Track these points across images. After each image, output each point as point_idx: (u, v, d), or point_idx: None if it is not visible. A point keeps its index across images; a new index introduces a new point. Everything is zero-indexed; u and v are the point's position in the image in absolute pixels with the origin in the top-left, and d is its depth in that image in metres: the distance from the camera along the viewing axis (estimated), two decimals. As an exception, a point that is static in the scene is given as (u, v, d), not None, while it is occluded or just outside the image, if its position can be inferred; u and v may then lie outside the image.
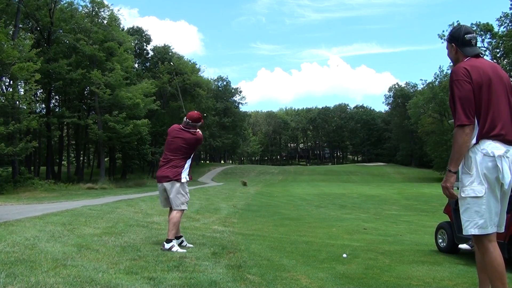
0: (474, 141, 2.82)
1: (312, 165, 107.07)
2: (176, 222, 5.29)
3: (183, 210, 5.43)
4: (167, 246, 5.14)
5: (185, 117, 5.54)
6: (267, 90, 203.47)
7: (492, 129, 2.79)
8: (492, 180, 2.75)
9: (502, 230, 2.89)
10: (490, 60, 3.30)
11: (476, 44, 3.05)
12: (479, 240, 2.83)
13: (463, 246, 5.45)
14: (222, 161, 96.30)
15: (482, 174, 2.76)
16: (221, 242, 6.21)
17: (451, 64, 3.31)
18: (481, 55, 3.05)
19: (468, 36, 3.02)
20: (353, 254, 5.67)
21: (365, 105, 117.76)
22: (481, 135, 2.81)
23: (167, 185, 5.35)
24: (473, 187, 2.78)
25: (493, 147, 2.76)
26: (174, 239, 5.26)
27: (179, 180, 5.33)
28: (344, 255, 5.46)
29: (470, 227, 2.80)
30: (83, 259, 4.35)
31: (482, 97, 2.81)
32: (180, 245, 5.41)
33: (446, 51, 3.21)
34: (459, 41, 3.04)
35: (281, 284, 3.82)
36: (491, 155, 2.75)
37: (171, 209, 5.49)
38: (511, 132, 2.83)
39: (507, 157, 2.76)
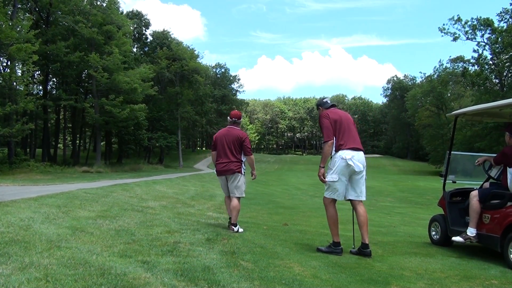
0: (334, 151, 4.94)
1: (308, 155, 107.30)
2: (239, 209, 6.21)
3: (243, 197, 6.27)
4: (235, 228, 6.01)
5: (230, 117, 6.31)
6: (267, 78, 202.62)
7: (343, 143, 4.93)
8: (345, 172, 4.91)
9: (363, 198, 5.14)
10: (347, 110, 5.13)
11: (329, 102, 5.34)
12: (328, 201, 5.09)
13: (456, 239, 5.49)
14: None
15: (338, 169, 4.90)
16: (215, 228, 6.24)
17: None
18: (335, 106, 5.31)
19: (324, 100, 5.40)
20: (346, 244, 5.70)
21: (363, 97, 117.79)
22: (338, 148, 4.93)
23: (230, 176, 6.13)
24: (331, 175, 4.94)
25: (345, 153, 4.88)
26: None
27: (240, 172, 6.14)
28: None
29: (329, 194, 5.04)
30: (77, 241, 4.36)
31: (337, 127, 4.96)
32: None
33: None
34: (320, 104, 5.38)
35: (274, 271, 3.85)
36: (344, 158, 4.87)
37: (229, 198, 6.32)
38: (353, 144, 4.98)
39: (353, 159, 4.87)
